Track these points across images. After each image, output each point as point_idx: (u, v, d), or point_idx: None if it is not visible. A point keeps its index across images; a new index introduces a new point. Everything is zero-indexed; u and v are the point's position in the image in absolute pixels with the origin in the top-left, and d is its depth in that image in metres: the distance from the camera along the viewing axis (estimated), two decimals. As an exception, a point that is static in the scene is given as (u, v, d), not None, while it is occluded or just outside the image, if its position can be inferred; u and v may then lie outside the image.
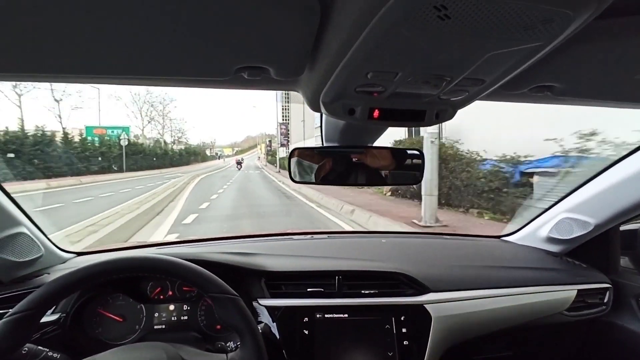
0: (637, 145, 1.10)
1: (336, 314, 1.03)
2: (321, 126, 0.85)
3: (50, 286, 0.72)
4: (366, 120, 0.63)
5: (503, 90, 0.62)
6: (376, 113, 0.62)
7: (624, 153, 1.13)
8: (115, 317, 1.07)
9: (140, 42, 0.47)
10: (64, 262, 1.19)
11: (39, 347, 0.80)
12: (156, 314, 1.09)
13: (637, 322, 1.18)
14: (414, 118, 0.65)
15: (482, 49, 0.44)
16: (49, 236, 1.16)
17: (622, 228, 1.30)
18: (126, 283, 1.08)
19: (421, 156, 0.87)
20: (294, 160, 0.84)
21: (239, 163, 44.70)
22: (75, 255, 1.25)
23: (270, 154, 52.27)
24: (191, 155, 50.90)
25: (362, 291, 1.07)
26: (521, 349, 1.33)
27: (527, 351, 1.35)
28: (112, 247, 1.43)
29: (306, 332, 1.00)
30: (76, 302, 1.00)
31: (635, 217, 1.20)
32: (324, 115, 0.83)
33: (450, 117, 0.66)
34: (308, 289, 1.07)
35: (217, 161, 64.16)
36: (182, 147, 52.39)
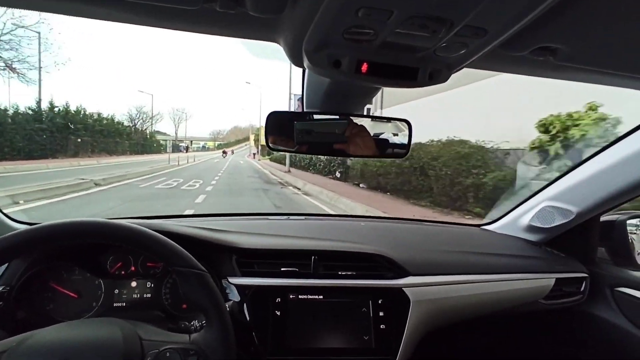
0: (621, 134, 1.09)
1: (311, 295, 0.97)
2: (303, 88, 0.78)
3: None
4: (353, 74, 0.56)
5: (502, 50, 0.57)
6: (364, 67, 0.56)
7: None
8: (70, 293, 0.98)
9: None
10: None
11: None
12: (116, 291, 1.01)
13: (611, 312, 1.18)
14: (405, 76, 0.59)
15: None
16: (-1, 205, 0.99)
17: (601, 219, 1.30)
18: (83, 255, 0.99)
19: (409, 126, 0.82)
20: (270, 124, 0.77)
21: (224, 153, 43.29)
22: (27, 226, 1.14)
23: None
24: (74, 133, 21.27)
25: (339, 272, 1.02)
26: (499, 336, 1.32)
27: (505, 338, 1.35)
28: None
29: (278, 313, 0.95)
30: (23, 274, 0.91)
31: (615, 207, 1.20)
32: (306, 77, 0.76)
33: (445, 79, 0.61)
34: (282, 269, 1.01)
35: (162, 156, 31.43)
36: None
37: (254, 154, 40.09)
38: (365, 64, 0.56)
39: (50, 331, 0.66)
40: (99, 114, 27.27)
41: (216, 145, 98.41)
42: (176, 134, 78.72)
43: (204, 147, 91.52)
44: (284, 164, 18.33)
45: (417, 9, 0.43)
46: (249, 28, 0.56)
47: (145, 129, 43.93)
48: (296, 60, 0.61)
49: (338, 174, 12.70)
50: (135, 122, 42.77)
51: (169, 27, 0.56)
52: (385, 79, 0.59)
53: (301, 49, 0.56)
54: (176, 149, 51.63)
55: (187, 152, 47.82)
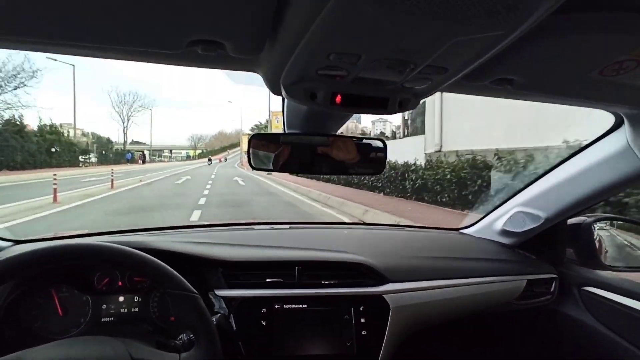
0: (585, 144, 1.16)
1: (295, 304, 1.01)
2: (283, 111, 0.82)
3: None
4: (328, 105, 0.61)
5: (465, 81, 0.62)
6: (338, 98, 0.60)
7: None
8: (57, 310, 1.00)
9: (78, 2, 0.42)
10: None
11: None
12: (104, 306, 1.03)
13: (579, 310, 1.25)
14: (377, 105, 0.63)
15: (446, 34, 0.44)
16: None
17: (569, 222, 1.37)
18: (70, 273, 1.01)
19: (384, 146, 0.87)
20: (253, 146, 0.81)
21: (210, 161, 36.06)
22: (12, 243, 1.15)
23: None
24: None
25: (322, 281, 1.06)
26: (474, 337, 1.39)
27: (480, 338, 1.41)
28: (57, 235, 1.33)
29: (264, 323, 0.98)
30: (10, 293, 0.92)
31: (581, 211, 1.27)
32: (285, 100, 0.80)
33: (413, 106, 0.66)
34: (267, 279, 1.04)
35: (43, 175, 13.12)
36: None
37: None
38: (339, 95, 0.60)
39: (42, 350, 0.68)
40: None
41: (197, 154, 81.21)
42: (125, 134, 49.72)
43: (188, 156, 78.94)
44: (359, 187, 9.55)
45: (382, 54, 0.48)
46: (230, 64, 0.60)
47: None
48: (275, 91, 0.65)
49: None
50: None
51: (153, 63, 0.60)
52: (358, 108, 0.64)
53: (279, 82, 0.60)
54: (106, 157, 30.73)
55: (143, 163, 33.82)
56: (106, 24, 0.45)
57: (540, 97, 0.74)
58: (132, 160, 35.26)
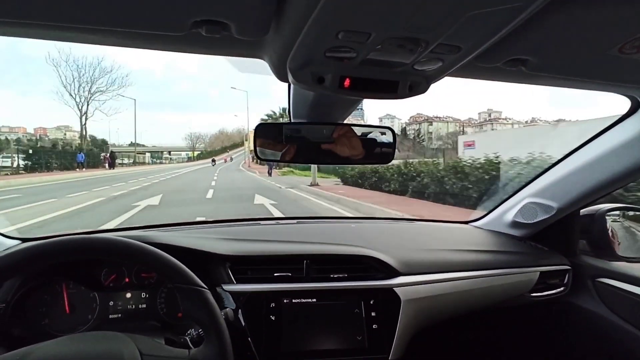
0: (596, 132, 1.13)
1: (304, 298, 1.00)
2: (289, 101, 0.81)
3: None
4: (336, 89, 0.59)
5: (477, 62, 0.60)
6: (347, 82, 0.59)
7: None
8: (65, 307, 0.99)
9: None
10: (6, 249, 1.09)
11: None
12: (111, 303, 1.02)
13: (593, 302, 1.23)
14: (386, 89, 0.62)
15: (461, 7, 0.42)
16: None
17: (581, 212, 1.34)
18: (77, 269, 1.00)
19: (392, 133, 0.85)
20: (259, 136, 0.80)
21: (214, 162, 32.63)
22: (20, 242, 1.15)
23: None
24: None
25: (331, 275, 1.05)
26: (488, 330, 1.36)
27: (494, 332, 1.39)
28: (64, 233, 1.32)
29: (273, 317, 0.97)
30: (18, 290, 0.91)
31: (594, 201, 1.24)
32: (292, 90, 0.79)
33: (424, 90, 0.64)
34: (275, 274, 1.03)
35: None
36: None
37: (270, 167, 19.61)
38: (347, 79, 0.59)
39: (52, 345, 0.67)
40: None
41: (196, 155, 74.22)
42: (83, 122, 33.91)
43: (189, 157, 73.49)
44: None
45: (393, 31, 0.46)
46: (235, 48, 0.58)
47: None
48: (281, 76, 0.63)
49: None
50: None
51: (157, 49, 0.58)
52: (367, 92, 0.62)
53: (285, 66, 0.58)
54: (37, 157, 21.11)
55: (111, 167, 24.60)
56: (106, 4, 0.44)
57: (555, 79, 0.71)
58: (94, 164, 24.47)
